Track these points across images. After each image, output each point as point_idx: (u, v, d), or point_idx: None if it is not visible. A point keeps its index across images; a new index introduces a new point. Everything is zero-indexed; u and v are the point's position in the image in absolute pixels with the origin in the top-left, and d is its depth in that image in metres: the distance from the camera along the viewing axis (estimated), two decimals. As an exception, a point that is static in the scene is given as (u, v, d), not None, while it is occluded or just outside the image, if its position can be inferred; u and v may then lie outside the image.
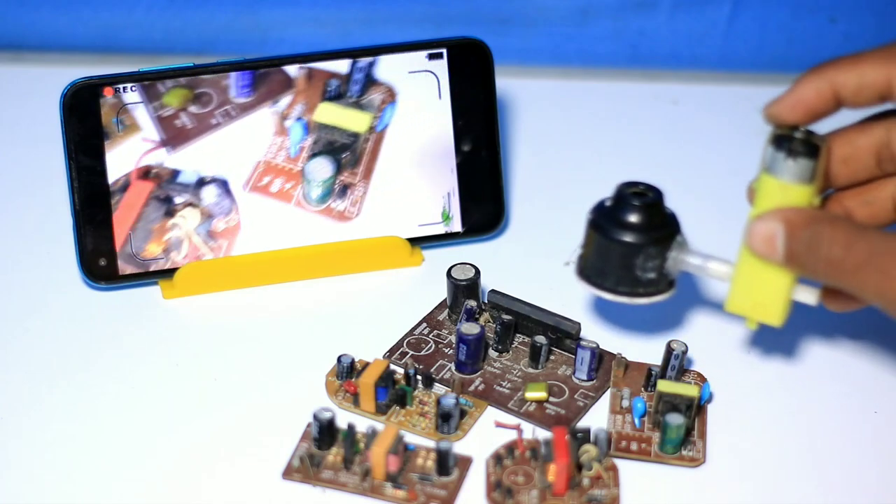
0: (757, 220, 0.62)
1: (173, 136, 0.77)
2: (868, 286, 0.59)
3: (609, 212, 0.65)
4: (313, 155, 0.78)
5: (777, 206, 0.62)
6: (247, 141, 0.78)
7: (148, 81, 0.76)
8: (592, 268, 0.66)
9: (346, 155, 0.78)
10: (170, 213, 0.77)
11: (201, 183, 0.77)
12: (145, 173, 0.76)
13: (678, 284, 0.67)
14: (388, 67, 0.78)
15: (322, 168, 0.78)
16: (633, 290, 0.66)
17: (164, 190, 0.77)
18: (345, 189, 0.78)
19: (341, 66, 0.78)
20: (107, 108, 0.75)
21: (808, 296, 0.64)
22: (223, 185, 0.77)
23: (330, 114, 0.78)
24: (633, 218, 0.65)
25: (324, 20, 0.98)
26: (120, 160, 0.76)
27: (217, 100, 0.77)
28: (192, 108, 0.77)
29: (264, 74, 0.77)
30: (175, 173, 0.77)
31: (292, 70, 0.77)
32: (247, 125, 0.77)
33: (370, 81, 0.78)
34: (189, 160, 0.77)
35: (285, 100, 0.77)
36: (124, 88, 0.76)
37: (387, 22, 0.98)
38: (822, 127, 0.64)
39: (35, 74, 0.96)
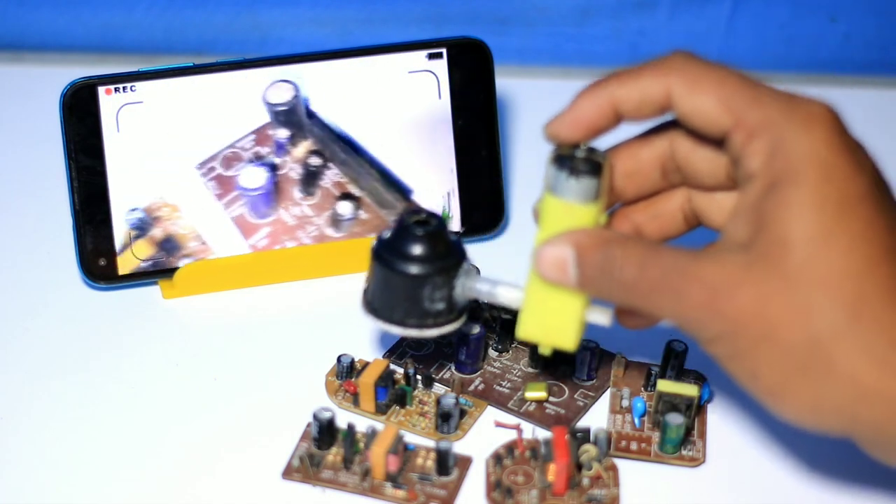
0: (545, 244, 0.60)
1: None
2: (663, 307, 0.58)
3: (391, 243, 0.63)
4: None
5: (564, 228, 0.60)
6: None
7: (147, 81, 0.76)
8: (379, 301, 0.64)
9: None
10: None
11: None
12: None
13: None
14: (389, 67, 0.78)
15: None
16: (422, 321, 0.64)
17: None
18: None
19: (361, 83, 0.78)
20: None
21: (602, 317, 0.62)
22: None
23: None
24: (417, 248, 0.63)
25: (324, 20, 0.98)
26: None
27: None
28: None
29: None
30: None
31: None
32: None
33: None
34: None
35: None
36: (124, 88, 0.76)
37: (387, 22, 0.98)
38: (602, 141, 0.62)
39: (35, 74, 0.96)
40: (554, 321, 0.62)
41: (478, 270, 0.65)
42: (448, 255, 0.64)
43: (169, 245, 0.77)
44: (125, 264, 0.77)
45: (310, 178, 0.72)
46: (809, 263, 0.55)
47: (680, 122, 0.60)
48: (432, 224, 0.64)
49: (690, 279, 0.56)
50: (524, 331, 0.63)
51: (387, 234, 0.64)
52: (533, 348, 0.71)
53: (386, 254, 0.63)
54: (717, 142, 0.60)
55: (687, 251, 0.58)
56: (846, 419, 0.57)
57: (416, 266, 0.63)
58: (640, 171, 0.63)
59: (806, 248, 0.55)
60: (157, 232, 0.77)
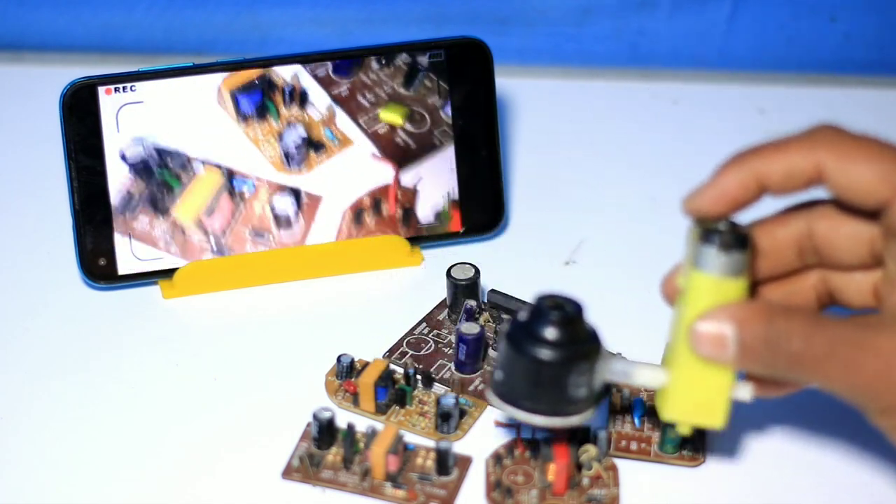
0: (701, 321, 0.58)
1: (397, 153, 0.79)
2: (832, 377, 0.57)
3: (531, 329, 0.61)
4: None
5: (713, 304, 0.59)
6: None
7: (147, 81, 0.76)
8: (518, 390, 0.61)
9: None
10: None
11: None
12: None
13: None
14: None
15: None
16: (565, 409, 0.61)
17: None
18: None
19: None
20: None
21: (745, 392, 0.61)
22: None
23: None
24: (560, 334, 0.60)
25: (324, 20, 0.98)
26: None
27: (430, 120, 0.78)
28: (408, 126, 0.78)
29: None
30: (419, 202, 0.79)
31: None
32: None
33: None
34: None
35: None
36: (124, 88, 0.76)
37: (387, 22, 0.98)
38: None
39: (35, 74, 0.96)
40: (703, 399, 0.60)
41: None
42: (589, 340, 0.62)
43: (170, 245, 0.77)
44: (125, 264, 0.77)
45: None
46: None
47: (832, 194, 0.59)
48: (569, 308, 0.61)
49: (864, 350, 0.56)
50: (671, 412, 0.61)
51: (523, 318, 0.61)
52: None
53: (527, 341, 0.61)
54: (866, 215, 0.59)
55: (854, 321, 0.57)
56: None
57: (563, 352, 0.60)
58: (776, 249, 0.62)
59: None
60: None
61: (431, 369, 0.72)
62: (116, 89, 0.76)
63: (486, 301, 0.75)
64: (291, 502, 0.65)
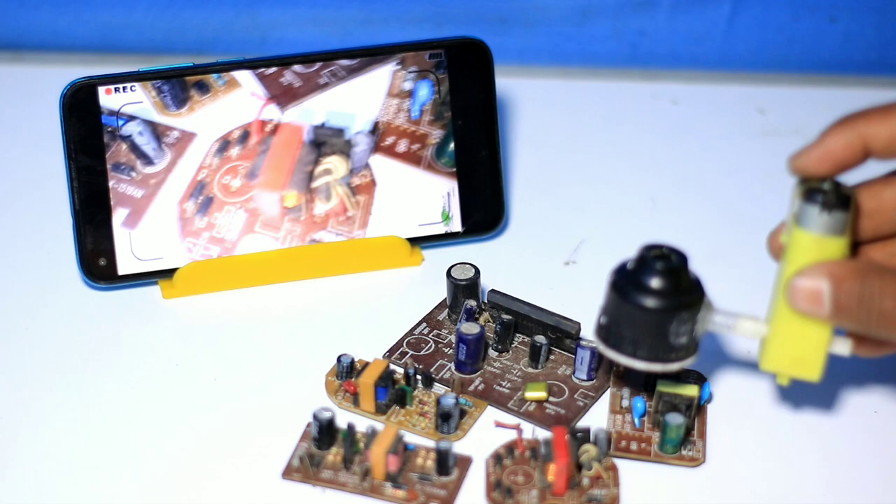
0: (799, 276, 0.61)
1: (281, 93, 0.77)
2: None
3: (637, 278, 0.63)
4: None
5: (813, 261, 0.61)
6: (362, 99, 0.79)
7: (147, 81, 0.76)
8: (622, 335, 0.63)
9: None
10: (319, 159, 0.77)
11: (349, 132, 0.78)
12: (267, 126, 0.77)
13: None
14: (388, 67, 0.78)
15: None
16: (666, 356, 0.63)
17: (317, 134, 0.77)
18: None
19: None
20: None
21: (843, 347, 0.63)
22: (367, 137, 0.78)
23: None
24: (664, 284, 0.62)
25: (324, 20, 0.98)
26: (228, 113, 0.77)
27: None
28: (296, 67, 0.77)
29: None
30: (322, 122, 0.78)
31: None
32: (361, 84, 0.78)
33: None
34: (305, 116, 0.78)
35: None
36: (124, 88, 0.76)
37: (387, 22, 0.98)
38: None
39: (35, 74, 0.96)
40: (800, 352, 0.63)
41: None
42: (693, 290, 0.63)
43: (316, 194, 0.77)
44: (125, 264, 0.77)
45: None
46: None
47: None
48: (674, 259, 0.63)
49: None
50: (770, 362, 0.63)
51: (630, 266, 0.63)
52: (533, 348, 0.71)
53: (633, 289, 0.62)
54: None
55: None
56: None
57: (666, 302, 0.62)
58: (881, 210, 0.64)
59: None
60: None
61: (431, 369, 0.72)
62: (116, 89, 0.76)
63: (486, 301, 0.75)
64: (291, 502, 0.65)
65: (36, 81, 0.95)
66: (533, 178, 0.87)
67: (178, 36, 0.99)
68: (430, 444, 0.68)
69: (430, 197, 0.80)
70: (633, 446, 0.68)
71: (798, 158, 0.62)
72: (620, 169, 0.88)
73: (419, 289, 0.78)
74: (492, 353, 0.73)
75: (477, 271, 0.74)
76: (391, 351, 0.73)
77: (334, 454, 0.67)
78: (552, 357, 0.72)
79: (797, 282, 0.61)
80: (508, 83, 0.92)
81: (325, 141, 0.78)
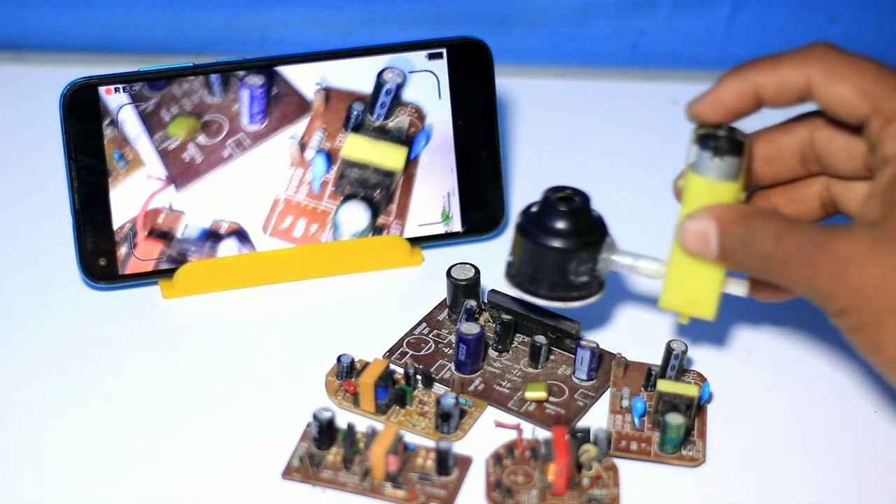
0: (688, 218, 0.63)
1: (181, 173, 0.77)
2: (796, 278, 0.60)
3: (538, 219, 0.66)
4: (344, 199, 0.78)
5: (706, 204, 0.63)
6: (263, 175, 0.77)
7: (147, 82, 0.76)
8: (524, 274, 0.66)
9: (379, 193, 0.78)
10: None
11: (216, 237, 0.77)
12: (153, 226, 0.76)
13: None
14: (415, 86, 0.78)
15: (356, 216, 0.78)
16: (567, 294, 0.66)
17: (175, 249, 0.77)
18: (380, 230, 0.78)
19: (365, 84, 0.78)
20: (108, 140, 0.75)
21: (738, 288, 0.65)
22: (241, 235, 0.77)
23: (360, 148, 0.78)
24: (564, 224, 0.65)
25: (324, 20, 0.98)
26: (125, 202, 0.76)
27: (227, 128, 0.77)
28: (200, 140, 0.77)
29: (278, 97, 0.77)
30: (185, 226, 0.76)
31: (309, 92, 0.77)
32: (262, 156, 0.77)
33: (397, 103, 0.78)
34: (200, 200, 0.77)
35: (302, 125, 0.77)
36: (124, 88, 0.76)
37: (387, 22, 0.98)
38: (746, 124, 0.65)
39: (35, 74, 0.96)
40: (694, 293, 0.65)
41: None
42: (593, 230, 0.66)
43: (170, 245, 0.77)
44: (125, 264, 0.77)
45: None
46: None
47: (820, 109, 0.62)
48: (577, 200, 0.66)
49: (822, 252, 0.59)
50: (666, 301, 0.66)
51: (533, 209, 0.66)
52: (533, 348, 0.71)
53: (533, 229, 0.66)
54: (855, 129, 0.62)
55: (821, 227, 0.60)
56: None
57: (564, 241, 0.65)
58: (779, 156, 0.66)
59: None
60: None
61: (431, 369, 0.72)
62: (116, 89, 0.76)
63: (486, 301, 0.75)
64: (291, 502, 0.65)
65: (36, 81, 0.95)
66: (533, 178, 0.87)
67: (178, 36, 0.99)
68: (430, 444, 0.68)
69: (430, 197, 0.80)
70: (633, 446, 0.68)
71: (693, 105, 0.64)
72: (620, 169, 0.88)
73: (419, 289, 0.78)
74: (492, 353, 0.73)
75: (477, 271, 0.74)
76: (391, 351, 0.73)
77: (334, 454, 0.67)
78: (552, 357, 0.72)
79: (687, 224, 0.63)
80: (508, 83, 0.92)
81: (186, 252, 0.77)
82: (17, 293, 0.78)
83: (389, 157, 0.78)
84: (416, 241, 0.80)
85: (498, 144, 0.80)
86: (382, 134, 0.78)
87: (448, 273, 0.74)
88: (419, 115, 0.79)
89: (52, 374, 0.72)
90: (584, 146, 0.91)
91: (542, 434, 0.68)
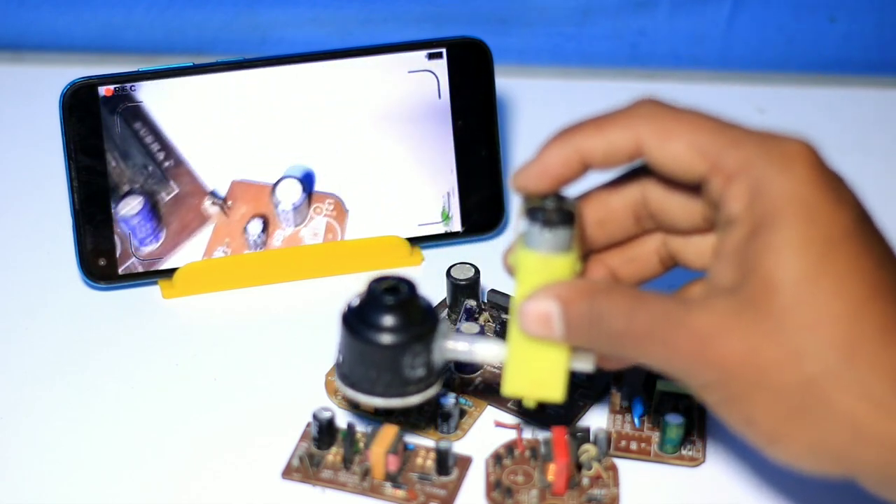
0: (528, 301, 0.58)
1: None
2: (653, 356, 0.57)
3: (364, 313, 0.62)
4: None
5: (543, 281, 0.59)
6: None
7: (147, 81, 0.76)
8: (357, 374, 0.63)
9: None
10: None
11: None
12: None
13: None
14: (387, 66, 0.78)
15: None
16: (403, 390, 0.63)
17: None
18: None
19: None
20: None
21: (585, 364, 0.61)
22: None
23: None
24: (393, 319, 0.62)
25: (323, 20, 0.98)
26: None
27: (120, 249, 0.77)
28: None
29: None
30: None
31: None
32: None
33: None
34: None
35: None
36: (124, 88, 0.76)
37: (387, 22, 0.98)
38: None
39: (35, 74, 0.96)
40: (540, 375, 0.60)
41: (448, 325, 0.64)
42: (424, 321, 0.62)
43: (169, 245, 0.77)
44: (125, 264, 0.77)
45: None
46: (798, 306, 0.54)
47: (652, 169, 0.59)
48: (403, 290, 0.62)
49: (679, 328, 0.55)
50: (510, 387, 0.61)
51: (356, 303, 0.63)
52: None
53: (360, 325, 0.62)
54: (691, 188, 0.59)
55: (673, 298, 0.57)
56: (846, 462, 0.56)
57: (394, 336, 0.62)
58: (611, 218, 0.62)
59: (793, 291, 0.54)
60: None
61: (431, 369, 0.72)
62: (116, 89, 0.76)
63: (486, 301, 0.75)
64: (291, 502, 0.65)
65: (36, 81, 0.95)
66: (533, 178, 0.87)
67: (178, 36, 0.99)
68: (430, 444, 0.68)
69: (430, 197, 0.80)
70: (633, 446, 0.68)
71: (518, 176, 0.60)
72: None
73: (419, 289, 0.78)
74: (492, 353, 0.73)
75: (477, 271, 0.74)
76: (391, 351, 0.73)
77: (334, 454, 0.67)
78: (552, 357, 0.72)
79: (526, 306, 0.59)
80: (508, 83, 0.92)
81: None
82: (17, 293, 0.78)
83: None
84: (416, 241, 0.80)
85: (498, 144, 0.80)
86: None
87: (448, 273, 0.74)
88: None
89: (52, 375, 0.72)
90: (584, 146, 0.90)
91: (542, 434, 0.68)
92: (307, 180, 0.78)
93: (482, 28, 0.96)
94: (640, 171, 0.62)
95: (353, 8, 0.98)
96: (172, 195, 0.77)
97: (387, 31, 0.97)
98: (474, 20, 0.98)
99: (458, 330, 0.71)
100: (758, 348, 0.54)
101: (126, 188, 0.76)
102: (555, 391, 0.61)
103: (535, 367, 0.60)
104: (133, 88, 0.76)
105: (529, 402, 0.62)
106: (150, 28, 0.98)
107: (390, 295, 0.62)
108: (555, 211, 0.59)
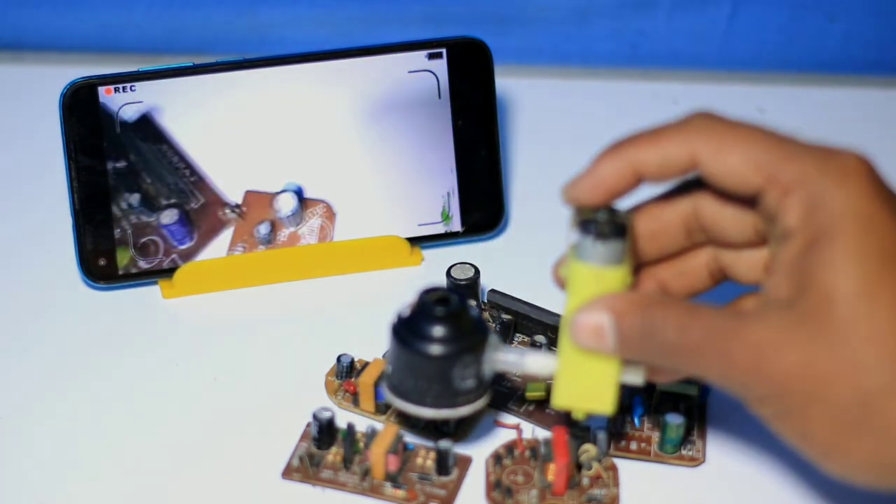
0: (580, 312, 0.58)
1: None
2: (707, 369, 0.57)
3: (414, 324, 0.62)
4: None
5: (594, 294, 0.59)
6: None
7: (147, 81, 0.76)
8: (407, 384, 0.62)
9: None
10: None
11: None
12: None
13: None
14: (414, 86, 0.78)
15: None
16: (454, 401, 0.62)
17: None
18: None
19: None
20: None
21: (636, 377, 0.60)
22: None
23: None
24: (444, 330, 0.61)
25: (324, 20, 0.98)
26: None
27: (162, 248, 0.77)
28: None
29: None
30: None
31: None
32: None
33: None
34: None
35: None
36: (124, 88, 0.76)
37: (387, 22, 0.98)
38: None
39: (35, 74, 0.96)
40: (591, 387, 0.60)
41: (500, 339, 0.64)
42: (475, 332, 0.62)
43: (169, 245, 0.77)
44: (125, 264, 0.77)
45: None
46: (855, 320, 0.54)
47: (707, 182, 0.59)
48: (454, 301, 0.62)
49: (735, 341, 0.55)
50: (561, 399, 0.61)
51: (406, 314, 0.62)
52: (533, 348, 0.71)
53: (410, 336, 0.62)
54: (746, 201, 0.59)
55: (727, 311, 0.57)
56: None
57: (445, 347, 0.61)
58: (663, 231, 0.62)
59: (850, 304, 0.54)
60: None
61: (431, 369, 0.72)
62: (116, 89, 0.76)
63: (485, 301, 0.75)
64: (291, 502, 0.65)
65: (36, 81, 0.95)
66: (533, 178, 0.87)
67: (178, 36, 0.99)
68: (430, 443, 0.68)
69: (430, 197, 0.80)
70: (633, 446, 0.68)
71: (570, 188, 0.60)
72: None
73: (419, 289, 0.78)
74: (492, 353, 0.73)
75: (477, 271, 0.74)
76: (391, 351, 0.73)
77: (334, 454, 0.67)
78: (552, 357, 0.72)
79: (578, 318, 0.59)
80: (508, 83, 0.92)
81: None
82: (17, 293, 0.78)
83: None
84: (416, 241, 0.80)
85: (498, 144, 0.80)
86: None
87: (448, 273, 0.74)
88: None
89: (52, 374, 0.72)
90: (585, 146, 0.90)
91: (542, 434, 0.68)
92: (301, 192, 0.78)
93: (482, 28, 0.96)
94: (692, 184, 0.62)
95: (353, 8, 0.98)
96: (199, 204, 0.77)
97: (387, 31, 0.97)
98: (474, 20, 0.98)
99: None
100: (815, 362, 0.54)
101: (164, 202, 0.76)
102: (605, 404, 0.60)
103: (586, 380, 0.60)
104: (133, 88, 0.76)
105: (579, 414, 0.61)
106: (150, 28, 0.98)
107: (441, 306, 0.62)
108: (607, 223, 0.59)
